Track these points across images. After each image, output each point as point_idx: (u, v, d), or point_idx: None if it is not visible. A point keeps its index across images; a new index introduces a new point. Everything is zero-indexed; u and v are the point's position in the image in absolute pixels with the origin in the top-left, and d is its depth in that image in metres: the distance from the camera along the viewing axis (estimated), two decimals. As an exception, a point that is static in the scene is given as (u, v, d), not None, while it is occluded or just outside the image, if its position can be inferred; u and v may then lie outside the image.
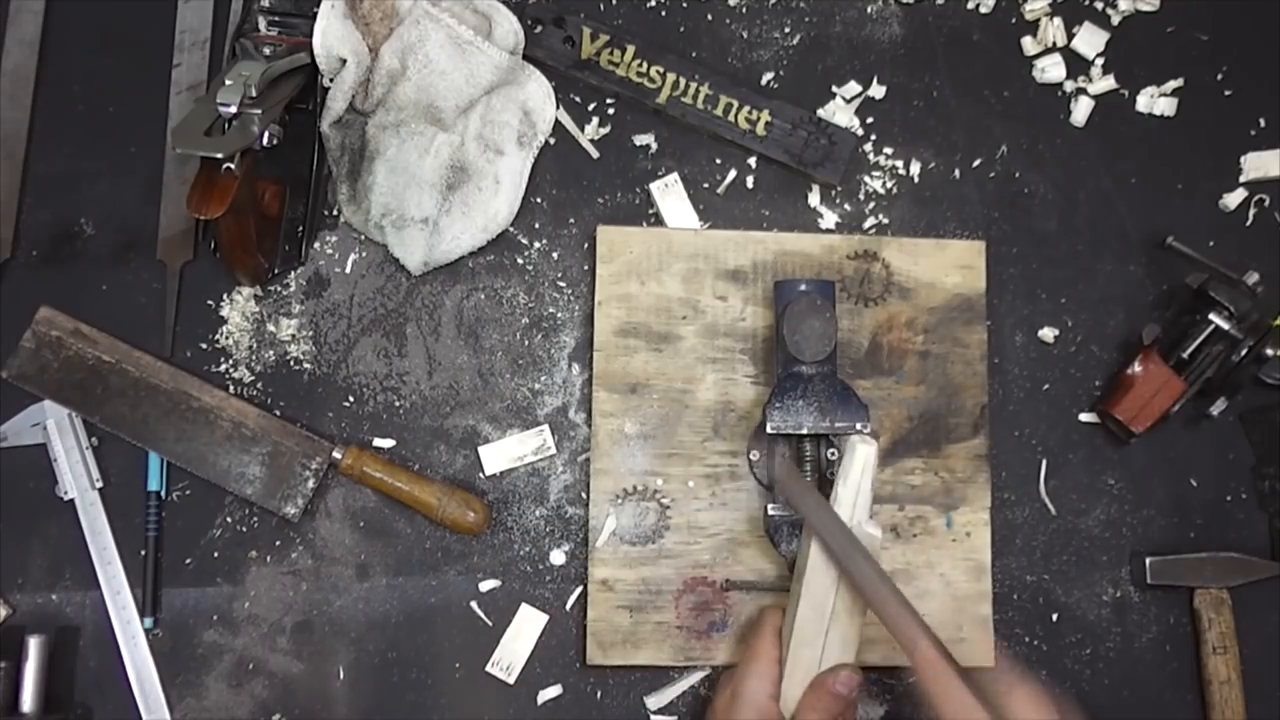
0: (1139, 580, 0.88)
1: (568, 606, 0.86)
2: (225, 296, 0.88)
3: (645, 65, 0.91)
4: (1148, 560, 0.88)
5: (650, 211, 0.91)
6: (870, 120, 0.94)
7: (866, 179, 0.93)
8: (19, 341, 0.84)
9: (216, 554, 0.84)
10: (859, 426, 0.80)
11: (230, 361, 0.87)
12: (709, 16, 0.94)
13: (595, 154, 0.92)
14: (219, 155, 0.75)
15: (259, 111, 0.77)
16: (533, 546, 0.86)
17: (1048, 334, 0.92)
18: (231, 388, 0.86)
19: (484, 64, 0.86)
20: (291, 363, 0.87)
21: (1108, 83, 0.95)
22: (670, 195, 0.91)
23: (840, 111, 0.93)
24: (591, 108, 0.93)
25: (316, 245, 0.89)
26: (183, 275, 0.88)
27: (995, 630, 0.86)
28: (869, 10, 0.96)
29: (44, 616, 0.83)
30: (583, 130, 0.92)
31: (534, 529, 0.87)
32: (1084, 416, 0.91)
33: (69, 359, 0.84)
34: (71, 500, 0.83)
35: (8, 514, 0.84)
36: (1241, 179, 0.95)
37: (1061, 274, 0.93)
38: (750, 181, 0.92)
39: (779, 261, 0.89)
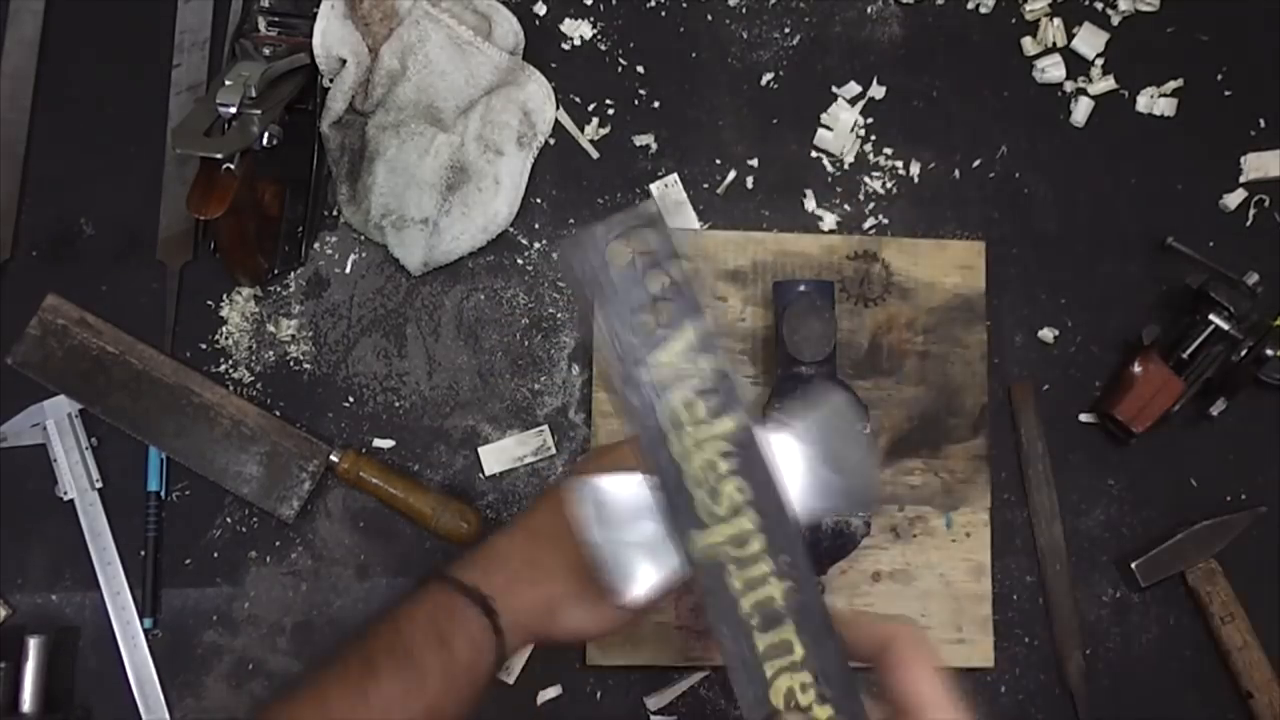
0: (1136, 587, 0.88)
1: (568, 607, 0.86)
2: (225, 297, 0.87)
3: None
4: (1134, 565, 0.87)
5: (650, 212, 0.91)
6: (870, 120, 0.94)
7: (866, 179, 0.93)
8: (25, 328, 0.84)
9: (216, 554, 0.84)
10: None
11: (230, 362, 0.87)
12: (709, 16, 0.94)
13: (595, 154, 0.92)
14: (219, 155, 0.75)
15: (259, 111, 0.77)
16: (532, 547, 0.86)
17: (1048, 334, 0.92)
18: (231, 388, 0.86)
19: (484, 64, 0.86)
20: (291, 363, 0.87)
21: (1108, 83, 0.95)
22: (670, 195, 0.91)
23: (841, 111, 0.93)
24: (591, 108, 0.92)
25: (316, 245, 0.89)
26: (183, 275, 0.87)
27: (995, 630, 0.86)
28: (869, 10, 0.96)
29: (44, 616, 0.83)
30: (583, 130, 0.92)
31: (534, 529, 0.86)
32: (1084, 416, 0.91)
33: (73, 348, 0.84)
34: (71, 500, 0.83)
35: (8, 514, 0.84)
36: (1241, 179, 0.95)
37: (1061, 274, 0.93)
38: (750, 182, 0.92)
39: (779, 262, 0.89)
